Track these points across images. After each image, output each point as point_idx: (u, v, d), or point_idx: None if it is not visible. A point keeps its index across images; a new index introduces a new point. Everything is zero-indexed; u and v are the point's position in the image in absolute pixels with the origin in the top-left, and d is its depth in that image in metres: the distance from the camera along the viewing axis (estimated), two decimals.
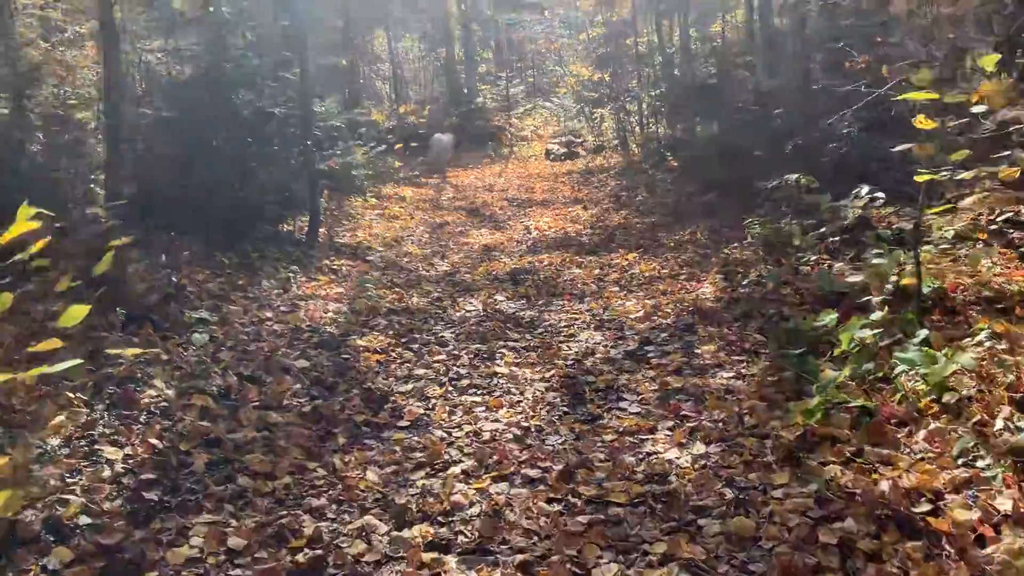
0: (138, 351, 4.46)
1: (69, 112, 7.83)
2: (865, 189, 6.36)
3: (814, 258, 6.85)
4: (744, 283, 6.48)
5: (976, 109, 4.03)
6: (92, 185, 9.02)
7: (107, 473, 3.55)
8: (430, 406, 4.67)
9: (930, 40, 8.39)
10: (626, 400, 4.61)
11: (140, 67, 10.77)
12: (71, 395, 4.08)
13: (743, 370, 4.83)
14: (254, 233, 8.91)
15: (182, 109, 9.02)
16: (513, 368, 5.24)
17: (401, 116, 22.93)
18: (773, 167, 10.69)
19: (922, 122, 4.11)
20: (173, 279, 6.26)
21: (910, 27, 9.10)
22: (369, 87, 38.43)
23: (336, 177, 12.31)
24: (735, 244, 7.89)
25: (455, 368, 5.28)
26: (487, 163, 20.78)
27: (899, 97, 4.50)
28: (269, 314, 6.20)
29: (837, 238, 6.98)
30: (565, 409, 4.53)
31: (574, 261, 8.19)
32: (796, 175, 7.84)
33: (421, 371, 5.24)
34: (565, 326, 6.08)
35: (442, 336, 5.99)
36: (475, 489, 3.57)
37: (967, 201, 5.38)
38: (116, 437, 3.87)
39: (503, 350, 5.59)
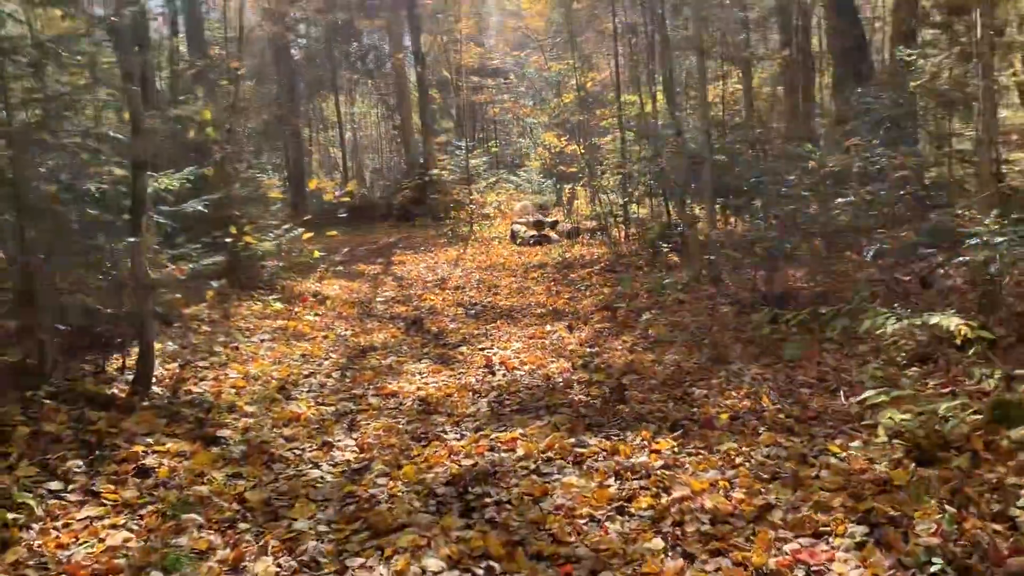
0: None
1: None
2: None
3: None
4: (930, 561, 3.17)
5: None
6: None
7: None
8: None
9: None
10: None
11: None
12: None
13: None
14: (46, 380, 5.48)
15: None
16: None
17: (324, 191, 19.68)
18: (856, 281, 7.58)
19: None
20: None
21: None
22: (322, 155, 35.45)
23: (234, 268, 9.03)
24: (850, 432, 4.64)
25: None
26: (442, 245, 17.61)
27: None
28: None
29: None
30: None
31: (567, 450, 4.79)
32: (949, 319, 4.65)
33: None
34: None
35: None
36: None
37: None
38: None
39: None
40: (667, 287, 9.33)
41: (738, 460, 4.44)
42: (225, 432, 5.19)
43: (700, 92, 9.14)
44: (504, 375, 6.79)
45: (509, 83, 29.06)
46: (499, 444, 4.98)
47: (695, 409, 5.38)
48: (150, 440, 4.88)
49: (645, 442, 4.82)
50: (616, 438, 4.99)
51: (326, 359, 7.53)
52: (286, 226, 11.13)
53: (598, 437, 5.04)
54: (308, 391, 6.41)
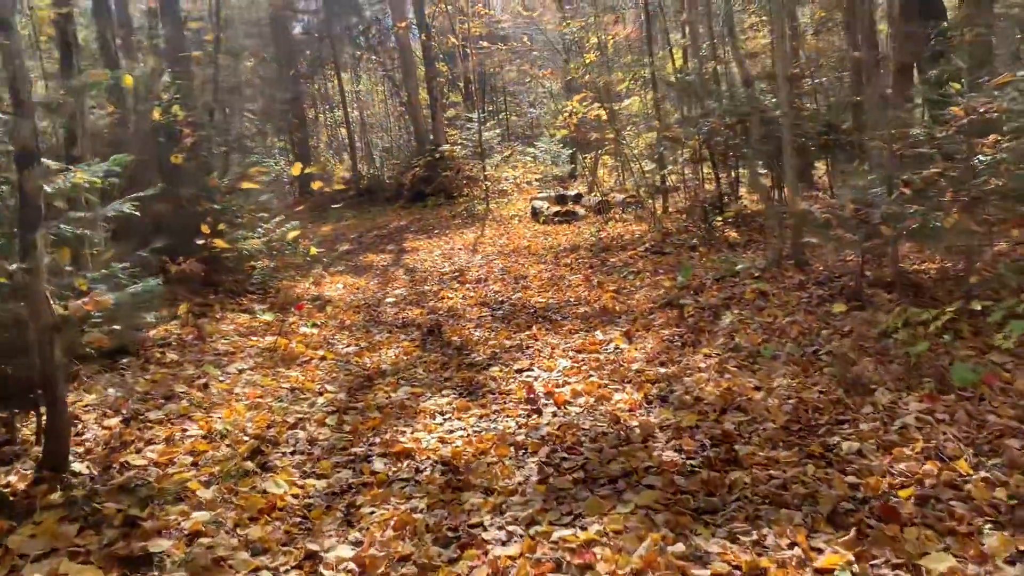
0: None
1: None
2: None
3: None
4: None
5: None
6: None
7: None
8: None
9: None
10: None
11: None
12: None
13: None
14: None
15: None
16: None
17: (324, 174, 17.98)
18: (1001, 262, 5.77)
19: None
20: None
21: None
22: (330, 136, 33.61)
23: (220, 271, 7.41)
24: None
25: None
26: (458, 227, 15.90)
27: None
28: None
29: None
30: None
31: (677, 569, 3.08)
32: None
33: None
34: None
35: None
36: None
37: None
38: None
39: None
40: (740, 274, 7.57)
41: None
42: (163, 544, 3.51)
43: (778, 27, 7.25)
44: (554, 414, 5.07)
45: (521, 47, 27.03)
46: (567, 556, 3.27)
47: (852, 478, 3.63)
48: (48, 567, 3.21)
49: (800, 551, 3.09)
50: (747, 538, 3.26)
51: (320, 394, 5.84)
52: (277, 219, 9.43)
53: (717, 536, 3.31)
54: (292, 452, 4.72)
